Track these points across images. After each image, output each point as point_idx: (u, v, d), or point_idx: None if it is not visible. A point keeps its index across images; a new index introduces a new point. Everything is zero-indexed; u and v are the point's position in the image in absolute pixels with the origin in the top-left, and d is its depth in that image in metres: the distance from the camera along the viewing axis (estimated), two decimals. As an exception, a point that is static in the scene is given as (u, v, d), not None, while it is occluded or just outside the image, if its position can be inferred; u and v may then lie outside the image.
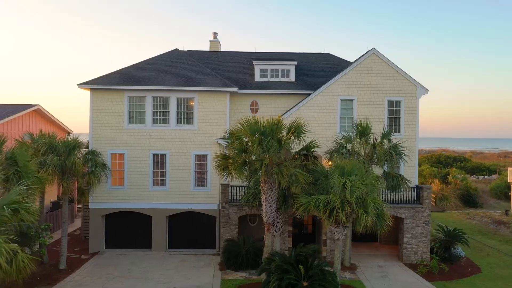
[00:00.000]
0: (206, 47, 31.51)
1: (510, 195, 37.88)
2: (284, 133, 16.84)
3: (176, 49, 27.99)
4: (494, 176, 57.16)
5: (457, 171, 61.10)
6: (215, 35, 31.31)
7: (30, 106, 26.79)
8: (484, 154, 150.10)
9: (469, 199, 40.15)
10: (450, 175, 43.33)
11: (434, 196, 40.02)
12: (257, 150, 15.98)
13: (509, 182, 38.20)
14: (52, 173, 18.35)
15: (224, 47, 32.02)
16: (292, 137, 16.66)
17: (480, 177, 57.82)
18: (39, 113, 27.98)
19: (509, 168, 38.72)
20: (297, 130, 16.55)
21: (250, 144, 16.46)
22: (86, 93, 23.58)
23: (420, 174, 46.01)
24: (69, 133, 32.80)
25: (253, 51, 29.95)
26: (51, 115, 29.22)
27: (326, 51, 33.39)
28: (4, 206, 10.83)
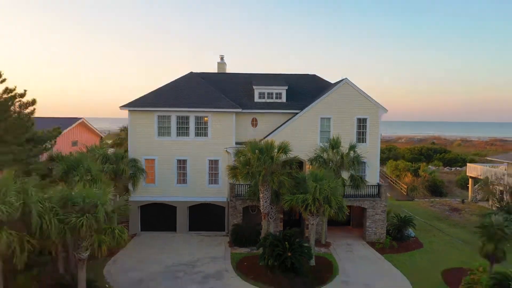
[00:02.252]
0: (215, 64, 38.36)
1: (468, 186, 45.19)
2: (275, 150, 24.00)
3: (191, 72, 34.95)
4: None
5: (436, 162, 68.63)
6: (221, 57, 38.21)
7: (77, 119, 33.89)
8: (473, 142, 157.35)
9: (435, 189, 47.56)
10: (421, 169, 50.46)
11: (406, 187, 47.45)
12: (256, 163, 23.18)
13: (468, 176, 45.45)
14: (109, 178, 25.47)
15: (229, 64, 38.88)
16: (281, 154, 23.81)
17: (453, 169, 64.96)
18: (82, 124, 35.05)
19: (468, 164, 45.91)
20: (284, 149, 23.74)
21: (251, 159, 23.63)
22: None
23: (396, 168, 53.53)
24: (101, 138, 39.97)
25: (254, 72, 36.85)
26: (90, 124, 36.31)
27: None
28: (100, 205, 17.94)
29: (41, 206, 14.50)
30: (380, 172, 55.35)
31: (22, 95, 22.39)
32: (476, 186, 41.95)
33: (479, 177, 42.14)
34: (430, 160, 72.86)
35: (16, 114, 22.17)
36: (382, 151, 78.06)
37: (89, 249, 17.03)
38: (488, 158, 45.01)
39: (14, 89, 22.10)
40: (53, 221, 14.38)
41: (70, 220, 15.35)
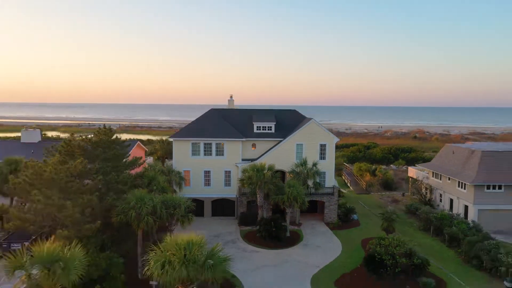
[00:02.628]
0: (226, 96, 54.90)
1: (409, 183, 62.18)
2: (266, 170, 40.91)
3: (212, 109, 51.66)
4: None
5: (400, 161, 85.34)
6: (231, 96, 54.93)
7: (135, 142, 50.64)
8: (450, 136, 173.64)
9: (387, 185, 64.55)
10: (377, 170, 67.38)
11: (365, 183, 64.47)
12: (255, 177, 40.13)
13: (408, 176, 62.40)
14: (166, 184, 42.31)
15: (236, 97, 55.49)
16: (269, 172, 40.80)
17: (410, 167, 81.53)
18: (138, 144, 51.94)
19: (408, 168, 62.86)
20: (270, 168, 40.68)
21: (252, 175, 40.51)
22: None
23: (360, 169, 70.30)
24: (146, 151, 56.87)
25: (255, 107, 53.48)
26: (141, 145, 53.10)
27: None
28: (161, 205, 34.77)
29: (158, 204, 31.05)
30: (349, 171, 73.26)
31: (120, 139, 39.04)
32: (411, 184, 59.17)
33: (414, 177, 59.26)
34: (397, 158, 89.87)
35: (117, 147, 38.80)
36: (359, 150, 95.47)
37: (176, 225, 33.86)
38: (417, 165, 61.70)
39: (115, 132, 38.63)
40: (163, 211, 30.92)
41: (171, 212, 32.04)
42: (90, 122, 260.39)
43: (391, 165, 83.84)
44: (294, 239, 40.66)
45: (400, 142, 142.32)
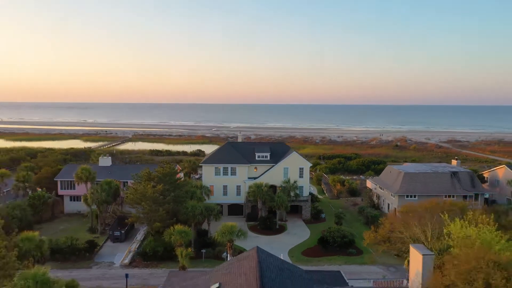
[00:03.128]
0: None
1: (367, 193, 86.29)
2: (263, 186, 65.34)
3: (228, 142, 76.22)
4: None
5: (370, 172, 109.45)
6: (240, 131, 79.29)
7: (176, 165, 75.13)
8: (427, 145, 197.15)
9: (352, 193, 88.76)
10: (345, 181, 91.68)
11: (336, 191, 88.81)
12: (256, 192, 64.63)
13: (367, 186, 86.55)
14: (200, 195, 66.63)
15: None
16: (265, 187, 65.27)
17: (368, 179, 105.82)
18: (178, 167, 76.49)
19: (367, 180, 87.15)
20: (265, 185, 65.20)
21: (254, 190, 64.96)
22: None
23: (333, 180, 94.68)
24: (180, 169, 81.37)
25: (257, 142, 77.98)
26: (179, 166, 77.50)
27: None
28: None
29: (202, 209, 55.15)
30: (326, 181, 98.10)
31: (176, 171, 63.49)
32: (367, 192, 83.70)
33: (369, 187, 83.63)
34: (368, 169, 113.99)
35: (178, 177, 63.07)
36: (339, 162, 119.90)
37: (211, 219, 58.21)
38: (368, 180, 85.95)
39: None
40: (204, 212, 55.11)
41: (209, 212, 56.25)
42: (107, 129, 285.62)
43: (361, 176, 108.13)
44: (281, 229, 65.02)
45: (380, 151, 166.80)
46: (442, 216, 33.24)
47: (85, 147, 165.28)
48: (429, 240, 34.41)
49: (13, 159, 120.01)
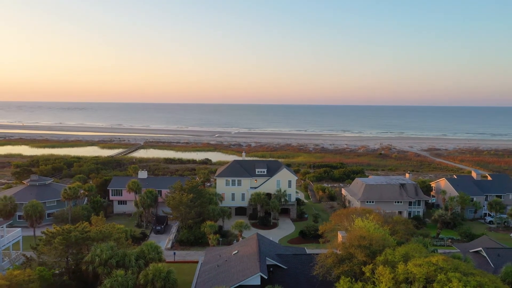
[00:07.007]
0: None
1: (341, 198, 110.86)
2: (261, 195, 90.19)
3: (235, 160, 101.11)
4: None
5: (349, 180, 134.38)
6: (244, 151, 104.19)
7: (196, 178, 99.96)
8: (407, 153, 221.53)
9: (332, 198, 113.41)
10: (326, 188, 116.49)
11: (318, 196, 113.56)
12: (256, 199, 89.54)
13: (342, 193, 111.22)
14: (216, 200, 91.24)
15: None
16: (263, 195, 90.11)
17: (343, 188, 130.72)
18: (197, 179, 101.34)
19: (342, 189, 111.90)
20: (262, 194, 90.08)
21: (255, 197, 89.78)
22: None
23: (317, 187, 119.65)
24: (198, 179, 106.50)
25: (256, 160, 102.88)
26: (197, 178, 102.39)
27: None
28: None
29: (219, 211, 79.65)
30: (311, 188, 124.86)
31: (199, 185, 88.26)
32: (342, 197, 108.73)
33: (343, 194, 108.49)
34: (349, 178, 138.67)
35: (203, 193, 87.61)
36: (325, 172, 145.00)
37: (225, 218, 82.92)
38: (343, 189, 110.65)
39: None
40: (220, 213, 79.55)
41: (224, 213, 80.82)
42: (121, 135, 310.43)
43: (340, 184, 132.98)
44: (274, 226, 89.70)
45: (364, 160, 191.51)
46: (353, 216, 58.04)
47: (108, 156, 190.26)
48: (348, 228, 59.04)
49: (54, 168, 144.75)
